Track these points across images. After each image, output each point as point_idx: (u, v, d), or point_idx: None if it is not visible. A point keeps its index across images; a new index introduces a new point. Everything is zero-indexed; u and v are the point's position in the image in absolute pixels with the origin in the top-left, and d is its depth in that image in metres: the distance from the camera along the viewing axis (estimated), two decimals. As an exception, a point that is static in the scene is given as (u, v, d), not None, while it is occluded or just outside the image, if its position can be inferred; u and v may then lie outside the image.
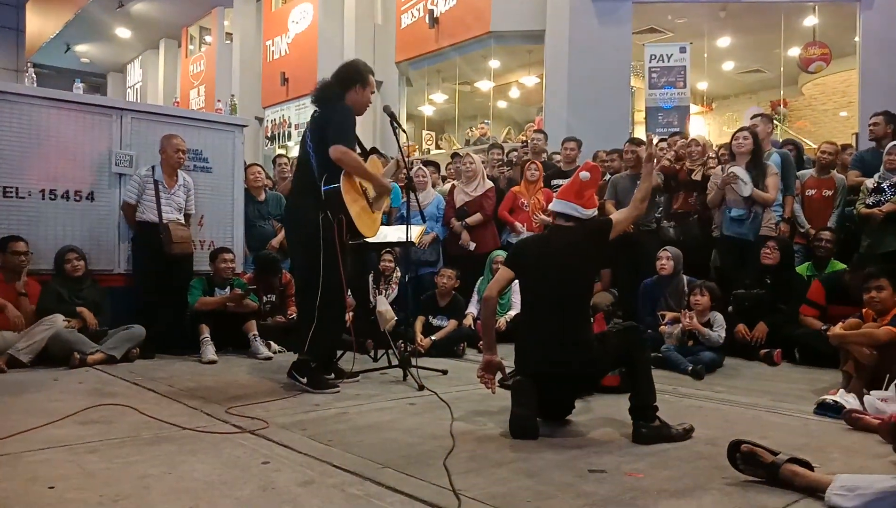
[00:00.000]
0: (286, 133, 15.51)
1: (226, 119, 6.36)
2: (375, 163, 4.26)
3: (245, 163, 6.60)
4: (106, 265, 5.49)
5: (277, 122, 15.73)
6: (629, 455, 2.67)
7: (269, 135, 15.89)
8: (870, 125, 6.03)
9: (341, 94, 4.06)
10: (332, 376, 4.12)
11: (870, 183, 5.52)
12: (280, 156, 9.16)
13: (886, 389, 3.39)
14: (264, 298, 5.73)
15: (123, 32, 19.77)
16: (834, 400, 3.39)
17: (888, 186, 5.38)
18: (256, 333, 5.24)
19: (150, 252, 5.24)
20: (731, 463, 2.36)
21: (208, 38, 19.28)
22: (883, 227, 5.33)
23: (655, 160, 3.37)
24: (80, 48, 21.16)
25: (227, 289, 5.40)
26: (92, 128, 5.48)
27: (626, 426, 2.95)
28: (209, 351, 4.95)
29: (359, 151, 4.09)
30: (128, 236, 5.54)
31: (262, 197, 6.49)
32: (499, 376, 3.17)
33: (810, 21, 11.40)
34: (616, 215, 3.22)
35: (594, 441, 2.89)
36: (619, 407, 3.10)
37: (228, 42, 17.87)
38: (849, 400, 3.36)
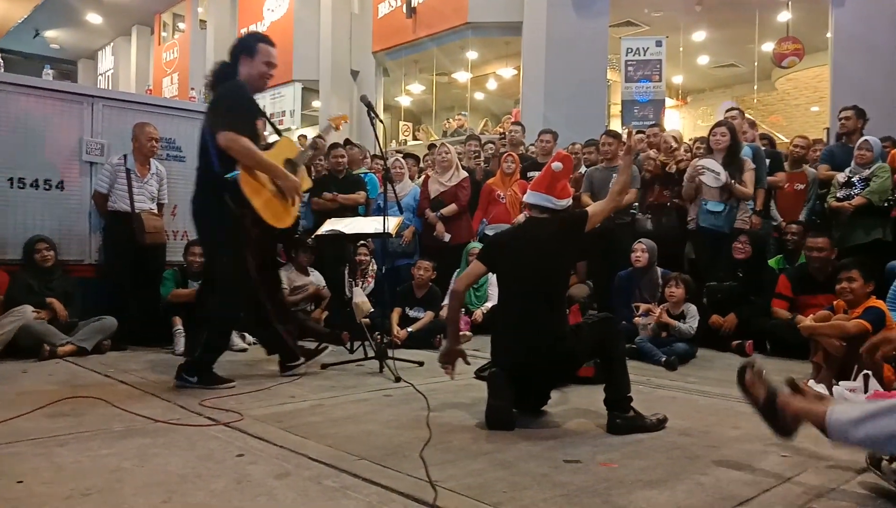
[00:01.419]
0: (309, 142, 15.35)
1: (199, 107, 6.25)
2: (286, 146, 3.93)
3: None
4: (77, 256, 5.40)
5: (253, 111, 15.56)
6: (604, 446, 2.69)
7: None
8: (841, 120, 6.13)
9: (232, 70, 3.76)
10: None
11: (841, 177, 5.62)
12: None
13: (854, 379, 3.47)
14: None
15: (94, 18, 19.37)
16: (804, 391, 3.44)
17: (858, 181, 5.48)
18: (231, 324, 5.18)
19: (122, 242, 5.17)
20: (739, 382, 2.40)
21: (182, 26, 18.98)
22: (852, 220, 5.43)
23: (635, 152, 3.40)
24: (50, 34, 20.69)
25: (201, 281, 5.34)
26: (62, 115, 5.37)
27: (601, 416, 2.97)
28: (182, 343, 4.89)
29: (270, 131, 3.83)
30: (99, 225, 5.45)
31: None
32: (461, 363, 3.25)
33: (784, 17, 11.55)
34: (592, 208, 3.23)
35: (569, 432, 2.91)
36: (594, 398, 3.13)
37: (202, 29, 17.62)
38: (819, 391, 3.42)
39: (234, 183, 3.50)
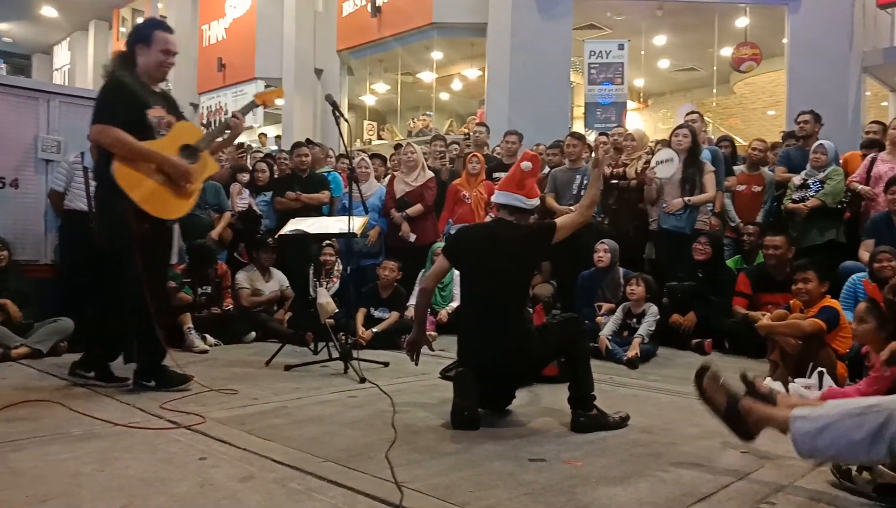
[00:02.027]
0: (223, 121, 15.13)
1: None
2: (185, 131, 3.67)
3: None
4: (32, 256, 5.26)
5: (213, 109, 15.33)
6: (568, 444, 2.72)
7: (204, 122, 15.46)
8: (799, 124, 6.28)
9: (130, 60, 3.59)
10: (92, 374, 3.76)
11: (797, 179, 5.77)
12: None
13: (810, 376, 3.56)
14: (199, 289, 5.59)
15: (49, 12, 18.86)
16: (761, 388, 3.53)
17: (813, 183, 5.63)
18: (191, 325, 5.11)
19: (80, 242, 5.03)
20: (697, 387, 2.41)
21: (141, 21, 18.60)
22: (807, 221, 5.58)
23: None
24: (2, 27, 20.10)
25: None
26: (16, 111, 5.23)
27: (566, 415, 3.01)
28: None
29: (170, 117, 3.58)
30: (55, 224, 5.31)
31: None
32: (427, 363, 3.32)
33: (742, 22, 11.79)
34: (561, 220, 3.26)
35: (534, 431, 2.93)
36: (559, 397, 3.16)
37: (162, 25, 17.27)
38: (775, 388, 3.51)
39: (111, 178, 3.38)
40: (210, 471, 2.29)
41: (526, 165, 3.19)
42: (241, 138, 15.03)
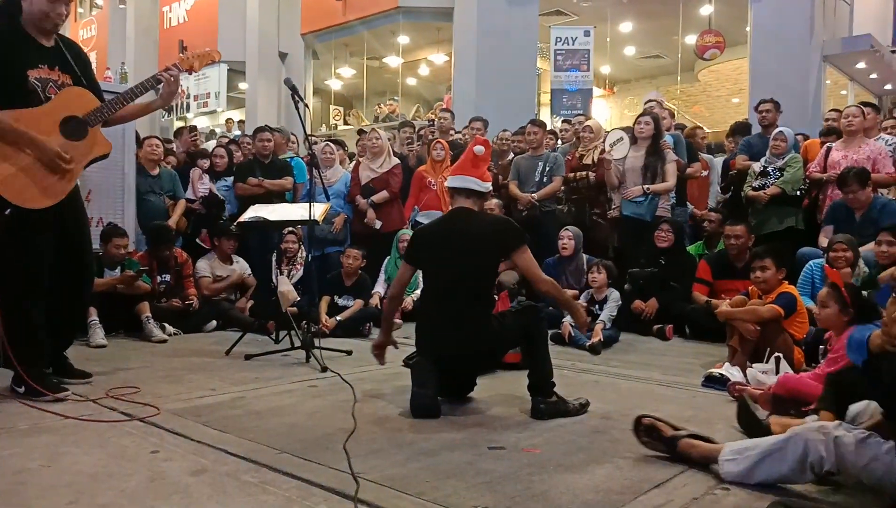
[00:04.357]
0: (184, 104, 14.84)
1: (115, 88, 5.98)
2: (72, 100, 3.16)
3: (138, 135, 6.26)
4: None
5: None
6: (528, 431, 2.72)
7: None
8: (761, 112, 6.35)
9: (15, 8, 3.09)
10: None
11: (756, 167, 5.84)
12: (183, 128, 8.79)
13: (767, 362, 3.62)
14: (158, 278, 5.48)
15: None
16: (720, 373, 3.58)
17: (773, 170, 5.71)
18: (150, 314, 5.00)
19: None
20: (636, 435, 2.43)
21: (100, 2, 18.10)
22: (767, 209, 5.65)
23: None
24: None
25: (118, 270, 5.12)
26: None
27: (526, 402, 3.00)
28: (98, 335, 4.67)
29: (64, 77, 3.14)
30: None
31: (156, 171, 6.16)
32: (391, 350, 3.35)
33: (706, 10, 11.91)
34: (527, 259, 3.11)
35: (494, 418, 2.93)
36: (520, 383, 3.15)
37: (122, 6, 16.83)
38: (733, 373, 3.56)
39: None
40: (162, 465, 2.24)
41: (479, 148, 3.17)
42: (204, 123, 14.85)
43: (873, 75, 12.89)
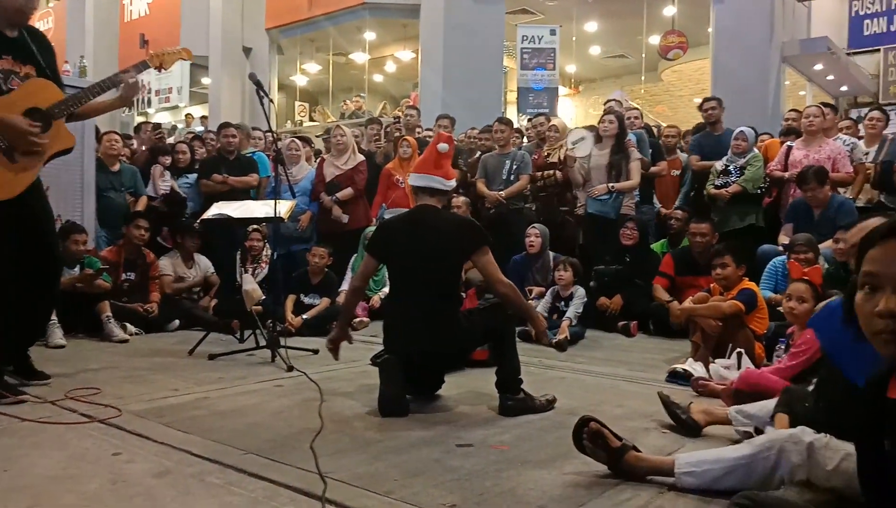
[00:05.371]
0: (146, 99, 14.55)
1: (74, 82, 5.83)
2: (36, 91, 3.09)
3: (98, 130, 6.12)
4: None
5: (136, 87, 14.69)
6: (496, 428, 2.73)
7: (127, 101, 14.83)
8: (707, 110, 6.46)
9: None
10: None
11: (719, 166, 5.95)
12: (145, 123, 8.63)
13: (729, 357, 3.69)
14: (123, 275, 5.37)
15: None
16: (683, 369, 3.64)
17: (734, 169, 5.82)
18: (110, 314, 4.88)
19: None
20: (576, 440, 2.24)
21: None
22: (729, 207, 5.76)
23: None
24: None
25: (78, 268, 5.00)
26: None
27: (494, 399, 3.02)
28: (56, 335, 4.55)
29: (27, 68, 3.07)
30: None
31: (116, 167, 6.04)
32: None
33: (669, 11, 12.05)
34: (486, 263, 3.10)
35: (462, 416, 2.93)
36: (488, 381, 3.16)
37: (80, -2, 16.42)
38: (696, 369, 3.62)
39: None
40: (124, 467, 2.19)
41: (442, 146, 3.17)
42: (166, 118, 14.58)
43: (830, 77, 13.21)
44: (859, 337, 1.22)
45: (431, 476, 2.15)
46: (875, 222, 3.57)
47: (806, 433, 2.00)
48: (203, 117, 13.45)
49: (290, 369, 3.77)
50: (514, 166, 6.19)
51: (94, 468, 2.18)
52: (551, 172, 6.35)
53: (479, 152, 6.96)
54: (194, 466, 2.21)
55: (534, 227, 5.69)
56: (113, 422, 2.68)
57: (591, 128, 6.32)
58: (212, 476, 2.11)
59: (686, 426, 2.67)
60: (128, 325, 5.05)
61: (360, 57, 14.07)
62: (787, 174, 5.65)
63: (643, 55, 13.43)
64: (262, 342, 4.25)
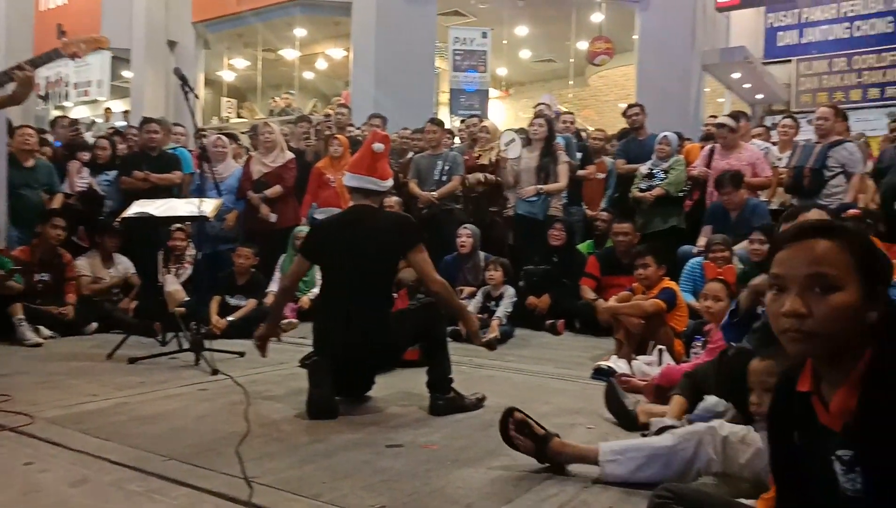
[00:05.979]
0: (63, 92, 13.91)
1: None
2: None
3: (10, 124, 5.82)
4: None
5: (52, 79, 14.02)
6: (426, 428, 2.74)
7: (42, 94, 14.13)
8: (631, 116, 6.69)
9: None
10: None
11: (643, 169, 6.14)
12: (62, 118, 8.25)
13: (651, 353, 3.82)
14: (37, 275, 5.11)
15: None
16: (607, 366, 3.74)
17: (658, 173, 6.01)
18: (23, 316, 4.64)
19: None
20: (503, 432, 2.29)
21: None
22: (652, 209, 5.96)
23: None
24: None
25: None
26: None
27: (425, 399, 3.02)
28: None
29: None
30: None
31: (31, 163, 5.75)
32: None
33: (597, 17, 12.36)
34: (421, 261, 3.12)
35: (392, 416, 2.93)
36: (419, 381, 3.17)
37: (-8, -13, 15.54)
38: (620, 365, 3.73)
39: None
40: (37, 476, 2.09)
41: (378, 146, 3.15)
42: (84, 112, 13.98)
43: (747, 85, 13.81)
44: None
45: (360, 478, 2.14)
46: (814, 214, 3.78)
47: (724, 427, 2.09)
48: (125, 112, 12.95)
49: (215, 372, 3.67)
50: (447, 167, 6.22)
51: (3, 478, 2.08)
52: (493, 176, 6.41)
53: (410, 153, 6.96)
54: (113, 474, 2.13)
55: (465, 227, 5.74)
56: (24, 430, 2.55)
57: (520, 131, 6.42)
58: (132, 484, 2.04)
59: (627, 419, 2.74)
60: (41, 328, 4.81)
61: (290, 54, 13.85)
62: (705, 170, 5.85)
63: (571, 60, 13.73)
64: (186, 345, 4.12)
